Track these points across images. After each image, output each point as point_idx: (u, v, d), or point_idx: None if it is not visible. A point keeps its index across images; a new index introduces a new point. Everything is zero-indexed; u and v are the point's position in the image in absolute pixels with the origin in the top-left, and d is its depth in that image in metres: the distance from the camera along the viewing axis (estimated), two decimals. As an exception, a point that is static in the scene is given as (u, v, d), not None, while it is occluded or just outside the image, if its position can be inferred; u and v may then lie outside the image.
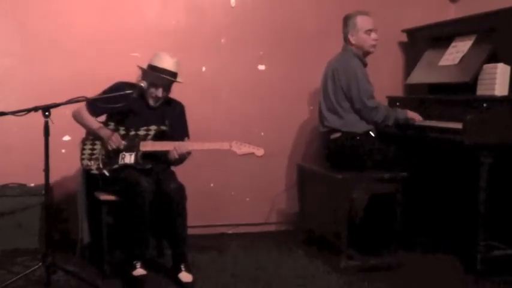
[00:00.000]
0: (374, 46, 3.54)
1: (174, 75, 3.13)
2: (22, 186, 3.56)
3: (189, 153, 3.10)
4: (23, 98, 3.40)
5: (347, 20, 3.55)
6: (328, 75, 3.56)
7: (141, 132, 3.16)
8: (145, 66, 3.14)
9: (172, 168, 3.28)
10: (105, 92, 3.12)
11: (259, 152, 3.08)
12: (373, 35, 3.52)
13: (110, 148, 3.09)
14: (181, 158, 3.13)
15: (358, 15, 3.52)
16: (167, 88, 3.18)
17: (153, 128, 3.16)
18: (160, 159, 3.18)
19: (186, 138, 3.25)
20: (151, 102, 3.18)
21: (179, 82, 3.17)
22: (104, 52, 3.74)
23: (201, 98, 3.84)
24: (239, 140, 3.07)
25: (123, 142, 3.10)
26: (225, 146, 3.06)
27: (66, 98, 2.72)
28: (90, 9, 3.75)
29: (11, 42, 3.65)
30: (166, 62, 3.11)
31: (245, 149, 3.06)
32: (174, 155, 3.07)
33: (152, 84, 3.11)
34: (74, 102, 2.75)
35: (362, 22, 3.50)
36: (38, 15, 3.66)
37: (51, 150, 2.68)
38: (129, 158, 3.10)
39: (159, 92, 3.14)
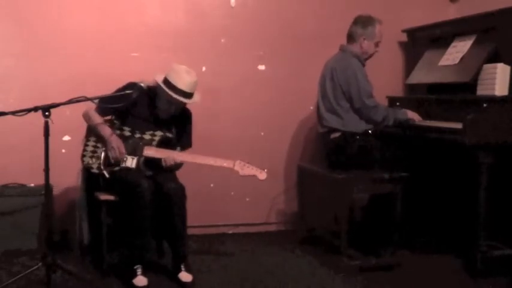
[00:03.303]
0: (373, 55, 3.61)
1: (190, 95, 3.05)
2: (22, 186, 3.56)
3: (182, 163, 3.09)
4: (22, 98, 3.40)
5: (366, 24, 3.52)
6: (326, 75, 3.56)
7: (147, 137, 3.13)
8: (160, 77, 3.04)
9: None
10: (116, 91, 3.06)
11: (262, 175, 3.06)
12: (378, 47, 3.58)
13: (111, 160, 3.05)
14: (176, 167, 3.13)
15: (378, 24, 3.54)
16: (180, 107, 3.13)
17: (159, 133, 3.13)
18: (160, 164, 3.17)
19: (189, 149, 3.24)
20: (161, 114, 3.13)
21: (194, 103, 3.10)
22: (104, 52, 3.74)
23: (201, 98, 3.83)
24: (243, 160, 3.07)
25: (124, 153, 3.06)
26: (228, 164, 3.06)
27: (66, 98, 2.72)
28: (90, 9, 3.75)
29: (11, 42, 3.64)
30: (184, 83, 3.00)
31: (248, 170, 3.05)
32: (170, 163, 3.04)
33: (165, 101, 3.06)
34: (74, 102, 2.74)
35: (379, 33, 3.54)
36: (38, 15, 3.66)
37: (51, 150, 2.67)
38: (130, 162, 3.08)
39: (172, 110, 3.10)
